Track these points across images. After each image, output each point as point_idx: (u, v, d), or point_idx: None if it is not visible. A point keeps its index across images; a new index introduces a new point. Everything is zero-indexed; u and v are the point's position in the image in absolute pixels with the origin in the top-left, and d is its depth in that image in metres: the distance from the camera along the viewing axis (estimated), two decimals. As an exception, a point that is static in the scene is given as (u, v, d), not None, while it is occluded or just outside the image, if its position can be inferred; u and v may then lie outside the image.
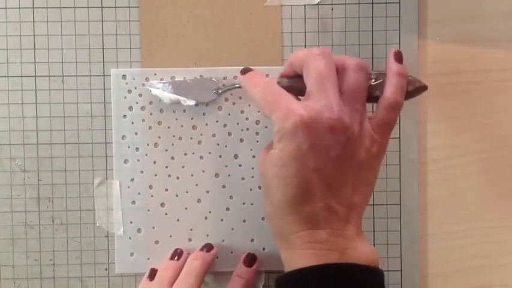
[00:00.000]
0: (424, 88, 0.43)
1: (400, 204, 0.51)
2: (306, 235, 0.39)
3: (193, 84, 0.50)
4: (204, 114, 0.50)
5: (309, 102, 0.39)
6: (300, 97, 0.42)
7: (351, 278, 0.39)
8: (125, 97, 0.50)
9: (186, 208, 0.51)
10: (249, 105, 0.50)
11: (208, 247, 0.50)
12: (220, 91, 0.49)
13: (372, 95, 0.42)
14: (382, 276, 0.40)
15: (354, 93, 0.40)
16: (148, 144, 0.51)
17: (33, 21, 0.50)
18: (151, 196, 0.51)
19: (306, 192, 0.39)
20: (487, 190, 0.52)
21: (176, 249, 0.50)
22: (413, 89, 0.43)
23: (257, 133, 0.51)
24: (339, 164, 0.39)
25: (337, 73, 0.40)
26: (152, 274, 0.49)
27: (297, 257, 0.39)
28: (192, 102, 0.49)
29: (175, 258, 0.49)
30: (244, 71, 0.46)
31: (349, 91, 0.40)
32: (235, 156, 0.51)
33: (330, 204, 0.39)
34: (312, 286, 0.38)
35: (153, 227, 0.51)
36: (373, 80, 0.42)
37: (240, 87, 0.47)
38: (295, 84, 0.42)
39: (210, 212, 0.51)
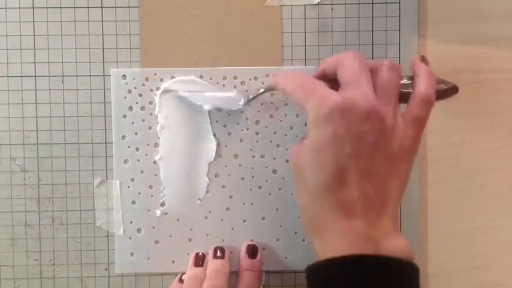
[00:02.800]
0: (455, 89, 0.44)
1: (400, 204, 0.51)
2: (342, 224, 0.39)
3: (221, 96, 0.50)
4: (204, 114, 0.50)
5: (345, 91, 0.40)
6: None
7: (385, 270, 0.38)
8: (125, 97, 0.50)
9: (186, 208, 0.51)
10: (249, 106, 0.50)
11: (220, 251, 0.50)
12: (246, 100, 0.49)
13: (404, 94, 0.42)
14: (417, 271, 0.40)
15: (386, 89, 0.41)
16: (148, 144, 0.51)
17: (33, 21, 0.50)
18: (151, 196, 0.51)
19: (343, 178, 0.39)
20: (487, 190, 0.52)
21: (197, 254, 0.50)
22: (446, 89, 0.43)
23: (257, 133, 0.51)
24: (374, 152, 0.39)
25: (371, 73, 0.41)
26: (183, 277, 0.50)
27: (331, 247, 0.39)
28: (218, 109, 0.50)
29: (200, 264, 0.50)
30: (274, 74, 0.46)
31: (383, 88, 0.41)
32: (235, 156, 0.51)
33: (366, 192, 0.39)
34: (345, 276, 0.38)
35: (153, 227, 0.51)
36: (405, 80, 0.43)
37: (265, 91, 0.47)
38: (329, 87, 0.42)
39: (210, 212, 0.51)
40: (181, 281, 0.49)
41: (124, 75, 0.50)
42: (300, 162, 0.41)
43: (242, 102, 0.49)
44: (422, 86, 0.42)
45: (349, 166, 0.39)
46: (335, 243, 0.39)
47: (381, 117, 0.39)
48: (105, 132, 0.51)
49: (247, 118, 0.51)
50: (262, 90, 0.48)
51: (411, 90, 0.42)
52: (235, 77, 0.50)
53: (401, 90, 0.42)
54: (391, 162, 0.40)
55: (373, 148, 0.39)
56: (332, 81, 0.42)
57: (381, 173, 0.40)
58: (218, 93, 0.50)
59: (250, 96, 0.49)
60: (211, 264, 0.49)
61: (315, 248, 0.41)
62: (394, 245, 0.39)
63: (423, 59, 0.43)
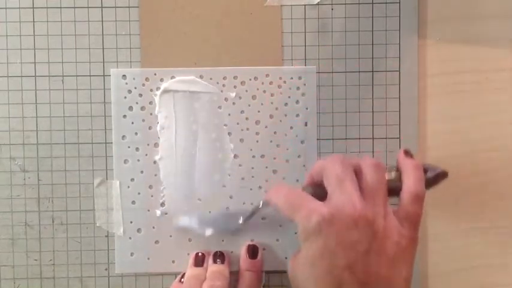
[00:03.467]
0: (444, 175, 0.43)
1: None
2: None
3: (219, 216, 0.50)
4: (204, 114, 0.50)
5: (331, 201, 0.40)
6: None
7: None
8: (125, 97, 0.50)
9: (186, 208, 0.51)
10: (249, 106, 0.50)
11: (220, 257, 0.50)
12: (245, 217, 0.49)
13: (392, 189, 0.42)
14: None
15: (373, 189, 0.40)
16: (148, 144, 0.51)
17: (33, 21, 0.50)
18: (151, 196, 0.51)
19: None
20: (487, 190, 0.52)
21: (197, 254, 0.50)
22: (434, 176, 0.43)
23: (257, 133, 0.51)
24: (368, 259, 0.39)
25: (355, 173, 0.41)
26: (183, 277, 0.49)
27: None
28: (216, 232, 0.50)
29: (200, 264, 0.50)
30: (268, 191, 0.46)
31: (369, 188, 0.40)
32: (235, 156, 0.51)
33: None
34: None
35: (153, 227, 0.51)
36: (392, 173, 0.42)
37: (262, 207, 0.47)
38: (319, 192, 0.42)
39: (210, 212, 0.51)
40: (181, 281, 0.49)
41: (124, 75, 0.50)
42: (295, 275, 0.41)
43: (241, 220, 0.49)
44: (411, 183, 0.41)
45: (345, 278, 0.38)
46: None
47: (370, 222, 0.39)
48: (105, 132, 0.51)
49: (247, 118, 0.51)
50: (260, 206, 0.47)
51: (399, 183, 0.42)
52: (235, 77, 0.50)
53: (389, 185, 0.41)
54: (390, 265, 0.39)
55: (368, 256, 0.39)
56: (322, 187, 0.42)
57: (380, 278, 0.39)
58: (216, 213, 0.50)
59: (249, 214, 0.49)
60: (212, 267, 0.49)
61: None
62: None
63: (407, 154, 0.43)
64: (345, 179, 0.40)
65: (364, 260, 0.38)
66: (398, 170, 0.43)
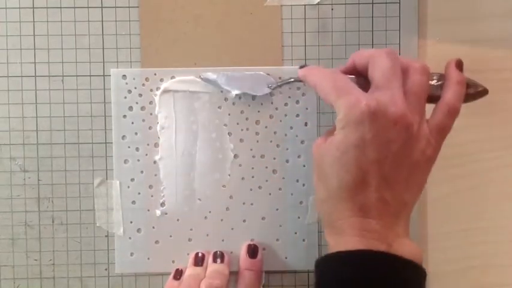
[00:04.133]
0: (485, 92, 0.44)
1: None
2: (357, 222, 0.39)
3: (248, 77, 0.50)
4: (204, 114, 0.50)
5: (376, 95, 0.40)
6: None
7: (394, 269, 0.39)
8: (125, 97, 0.50)
9: (186, 208, 0.51)
10: (249, 106, 0.50)
11: (220, 256, 0.50)
12: (274, 86, 0.49)
13: (432, 96, 0.42)
14: (424, 275, 0.40)
15: (416, 94, 0.41)
16: (148, 144, 0.51)
17: (33, 21, 0.50)
18: (151, 196, 0.51)
19: (363, 182, 0.39)
20: (487, 190, 0.52)
21: (197, 254, 0.50)
22: (475, 92, 0.43)
23: (257, 133, 0.51)
24: (397, 159, 0.39)
25: (402, 73, 0.41)
26: (178, 274, 0.49)
27: (344, 243, 0.40)
28: (244, 93, 0.50)
29: (199, 263, 0.50)
30: (303, 66, 0.46)
31: (412, 92, 0.41)
32: (235, 156, 0.51)
33: (384, 197, 0.39)
34: (353, 270, 0.39)
35: (153, 227, 0.51)
36: (434, 81, 0.43)
37: (295, 81, 0.47)
38: (361, 82, 0.42)
39: (210, 212, 0.51)
40: (175, 278, 0.49)
41: (124, 75, 0.50)
42: (323, 156, 0.41)
43: (271, 86, 0.49)
44: (451, 96, 0.42)
45: (371, 171, 0.39)
46: (348, 239, 0.40)
47: (407, 125, 0.39)
48: (105, 132, 0.51)
49: (247, 118, 0.51)
50: (292, 79, 0.48)
51: (439, 93, 0.42)
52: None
53: (430, 92, 0.42)
54: (411, 169, 0.40)
55: (396, 155, 0.39)
56: (360, 75, 0.42)
57: (400, 180, 0.40)
58: (246, 74, 0.50)
59: (279, 83, 0.49)
60: (211, 266, 0.49)
61: (329, 243, 0.41)
62: (406, 248, 0.40)
63: (458, 65, 0.43)
64: (393, 76, 0.40)
65: (392, 158, 0.39)
66: (441, 78, 0.43)
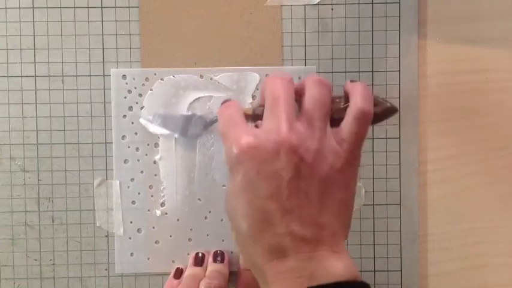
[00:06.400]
0: (393, 110, 0.41)
1: (400, 204, 0.51)
2: (275, 265, 0.37)
3: (182, 119, 0.50)
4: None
5: (261, 127, 0.38)
6: None
7: None
8: (125, 97, 0.50)
9: (186, 208, 0.51)
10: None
11: (220, 256, 0.50)
12: (207, 126, 0.49)
13: (341, 119, 0.39)
14: (364, 286, 0.38)
15: (312, 109, 0.38)
16: (148, 144, 0.51)
17: (33, 21, 0.50)
18: (151, 196, 0.51)
19: (263, 221, 0.37)
20: (487, 190, 0.52)
21: (197, 254, 0.50)
22: (382, 110, 0.40)
23: (257, 133, 0.51)
24: (296, 185, 0.37)
25: (298, 94, 0.39)
26: (178, 273, 0.49)
27: None
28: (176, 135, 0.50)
29: (199, 263, 0.50)
30: (223, 103, 0.45)
31: (308, 107, 0.38)
32: (235, 156, 0.51)
33: (292, 230, 0.37)
34: None
35: (153, 227, 0.51)
36: (342, 103, 0.40)
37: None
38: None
39: (210, 212, 0.51)
40: (175, 277, 0.49)
41: (124, 75, 0.50)
42: (226, 206, 0.40)
43: (202, 126, 0.49)
44: (358, 99, 0.38)
45: (268, 208, 0.37)
46: (272, 285, 0.37)
47: (294, 148, 0.37)
48: (105, 132, 0.51)
49: (247, 118, 0.51)
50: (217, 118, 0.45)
51: (346, 106, 0.39)
52: (235, 77, 0.50)
53: (339, 115, 0.39)
54: (322, 188, 0.38)
55: (294, 182, 0.37)
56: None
57: (309, 205, 0.37)
58: (180, 115, 0.50)
59: (208, 121, 0.48)
60: (211, 265, 0.49)
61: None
62: (329, 270, 0.37)
63: (353, 81, 0.40)
64: (279, 98, 0.38)
65: (289, 187, 0.37)
66: (348, 100, 0.39)
